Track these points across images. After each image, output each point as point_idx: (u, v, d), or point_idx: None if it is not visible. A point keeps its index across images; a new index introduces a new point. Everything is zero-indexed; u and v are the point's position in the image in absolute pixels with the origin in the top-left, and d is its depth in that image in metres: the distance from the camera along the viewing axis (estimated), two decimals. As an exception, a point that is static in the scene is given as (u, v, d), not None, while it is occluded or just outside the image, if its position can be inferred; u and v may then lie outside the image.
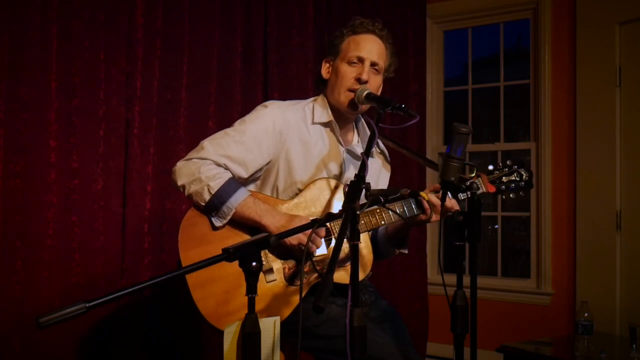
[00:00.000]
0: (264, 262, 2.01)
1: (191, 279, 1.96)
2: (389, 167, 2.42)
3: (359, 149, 2.25)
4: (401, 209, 2.09)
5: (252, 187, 2.19)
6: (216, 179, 1.99)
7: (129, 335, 2.96)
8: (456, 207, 2.05)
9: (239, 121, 2.14)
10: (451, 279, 1.77)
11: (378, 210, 2.07)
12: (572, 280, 3.98)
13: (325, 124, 2.20)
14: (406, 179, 4.27)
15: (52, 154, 2.74)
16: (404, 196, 2.02)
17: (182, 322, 3.07)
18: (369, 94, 2.07)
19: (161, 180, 3.05)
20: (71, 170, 2.81)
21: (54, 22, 2.73)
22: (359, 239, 1.54)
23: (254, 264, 1.44)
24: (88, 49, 2.86)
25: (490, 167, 2.25)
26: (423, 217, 2.10)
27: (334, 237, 2.07)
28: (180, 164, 2.06)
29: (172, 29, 3.17)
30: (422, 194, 2.02)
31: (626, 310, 3.66)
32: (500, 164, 2.27)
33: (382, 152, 2.39)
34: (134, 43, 3.02)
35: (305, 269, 2.04)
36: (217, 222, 2.02)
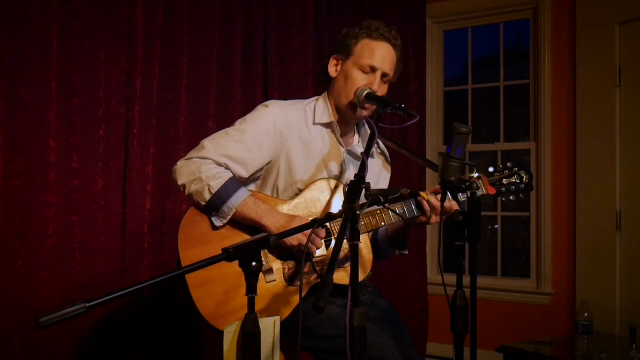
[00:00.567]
0: (263, 263, 2.01)
1: (191, 279, 1.96)
2: (389, 167, 2.42)
3: (360, 150, 2.24)
4: (401, 210, 2.08)
5: (252, 186, 2.19)
6: (217, 179, 1.99)
7: (129, 335, 2.96)
8: (455, 207, 2.05)
9: (239, 121, 2.14)
10: (451, 279, 1.77)
11: (378, 212, 2.07)
12: (572, 280, 3.98)
13: (326, 125, 2.19)
14: (406, 179, 4.27)
15: (52, 154, 2.74)
16: (404, 196, 2.02)
17: (182, 322, 3.07)
18: (368, 94, 2.06)
19: (161, 180, 3.05)
20: (71, 170, 2.81)
21: (54, 22, 2.73)
22: (359, 239, 1.54)
23: (254, 264, 1.44)
24: (88, 49, 2.85)
25: (491, 169, 2.25)
26: (423, 218, 2.10)
27: (334, 238, 2.07)
28: (181, 164, 2.06)
29: (172, 29, 3.17)
30: (422, 194, 2.02)
31: (626, 310, 3.66)
32: (501, 166, 2.25)
33: (382, 153, 2.39)
34: (134, 43, 3.02)
35: (305, 270, 2.04)
36: (218, 222, 2.02)
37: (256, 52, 3.58)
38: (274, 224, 1.99)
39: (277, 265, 2.04)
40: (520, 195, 2.24)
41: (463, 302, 1.72)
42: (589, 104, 3.93)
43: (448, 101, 4.72)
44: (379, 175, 2.33)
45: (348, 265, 2.01)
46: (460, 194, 2.01)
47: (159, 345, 3.08)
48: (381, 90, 2.14)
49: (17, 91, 2.64)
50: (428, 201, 2.05)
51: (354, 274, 1.50)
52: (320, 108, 2.19)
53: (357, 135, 2.29)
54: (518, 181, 2.23)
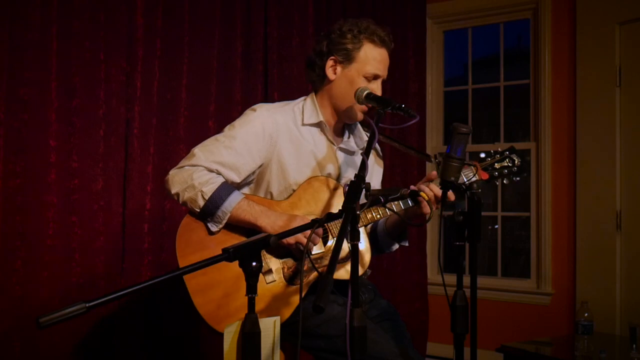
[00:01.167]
0: (262, 263, 2.01)
1: (191, 285, 1.96)
2: (381, 162, 2.43)
3: (352, 145, 2.26)
4: (398, 207, 2.09)
5: (246, 190, 2.19)
6: (209, 184, 2.00)
7: (129, 335, 2.96)
8: (451, 197, 2.04)
9: (228, 126, 2.14)
10: (451, 279, 1.77)
11: (373, 207, 2.08)
12: (572, 280, 3.98)
13: (316, 125, 2.19)
14: (406, 179, 4.27)
15: (52, 154, 2.73)
16: (404, 196, 2.03)
17: (182, 322, 3.07)
18: (368, 94, 2.07)
19: (161, 180, 3.04)
20: (71, 170, 2.81)
21: (54, 22, 2.73)
22: (359, 239, 1.54)
23: (254, 264, 1.44)
24: (88, 49, 2.85)
25: (482, 155, 2.25)
26: (418, 211, 2.10)
27: (331, 235, 2.07)
28: (172, 172, 2.07)
29: (172, 29, 3.17)
30: (422, 194, 2.02)
31: (626, 310, 3.66)
32: (492, 151, 2.26)
33: (374, 148, 2.39)
34: (134, 43, 3.02)
35: (304, 268, 2.04)
36: (213, 227, 2.03)
37: (256, 52, 3.58)
38: (269, 224, 2.00)
39: (275, 265, 2.04)
40: (514, 179, 2.24)
41: (463, 302, 1.72)
42: (589, 104, 3.93)
43: (448, 101, 4.72)
44: (372, 170, 2.34)
45: (345, 262, 2.02)
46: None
47: (159, 345, 3.08)
48: (379, 92, 2.15)
49: (17, 91, 2.64)
50: (427, 204, 2.05)
51: (353, 275, 1.50)
52: (308, 108, 2.20)
53: (347, 132, 2.30)
54: (510, 164, 2.23)
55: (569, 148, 4.06)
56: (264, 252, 2.03)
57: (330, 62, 2.16)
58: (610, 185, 3.78)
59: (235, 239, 2.02)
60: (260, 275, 1.99)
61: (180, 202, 2.04)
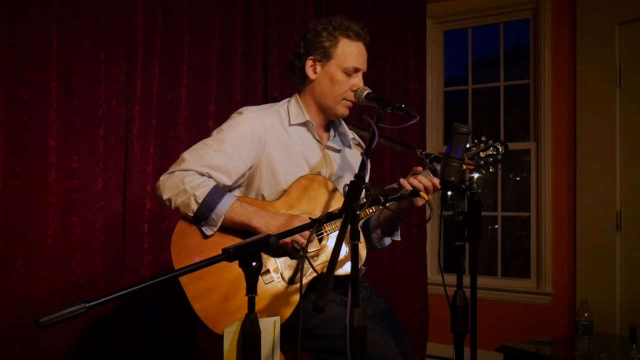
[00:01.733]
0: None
1: (189, 291, 1.97)
2: (360, 150, 2.44)
3: (338, 142, 2.29)
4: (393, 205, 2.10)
5: (236, 192, 2.19)
6: (201, 188, 2.00)
7: (129, 335, 2.96)
8: (438, 186, 2.05)
9: (216, 130, 2.15)
10: (451, 279, 1.77)
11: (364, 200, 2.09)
12: (572, 280, 3.98)
13: (302, 124, 2.21)
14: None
15: (52, 154, 2.73)
16: (404, 196, 2.03)
17: (182, 322, 3.07)
18: (368, 94, 2.08)
19: (161, 180, 3.05)
20: (71, 170, 2.81)
21: (54, 22, 2.73)
22: (358, 239, 1.54)
23: (254, 264, 1.44)
24: (88, 49, 2.85)
25: (467, 145, 2.27)
26: (413, 203, 2.11)
27: (325, 232, 2.08)
28: (163, 178, 2.08)
29: (172, 29, 3.17)
30: (422, 194, 2.02)
31: (626, 310, 3.66)
32: (476, 140, 2.28)
33: (359, 144, 2.42)
34: (134, 43, 3.02)
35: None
36: (208, 231, 2.03)
37: (256, 52, 3.58)
38: (264, 224, 2.00)
39: (272, 265, 2.05)
40: (499, 166, 2.27)
41: (463, 302, 1.72)
42: (589, 104, 3.93)
43: (448, 101, 4.72)
44: (351, 157, 2.35)
45: (342, 258, 2.02)
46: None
47: (159, 345, 3.08)
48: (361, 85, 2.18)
49: (17, 91, 2.64)
50: (427, 204, 2.05)
51: (353, 275, 1.50)
52: (293, 109, 2.22)
53: (332, 130, 2.32)
54: (494, 152, 2.26)
55: (569, 148, 4.06)
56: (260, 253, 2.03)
57: (309, 62, 2.19)
58: (610, 185, 3.78)
59: (231, 242, 2.01)
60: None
61: (173, 208, 2.05)
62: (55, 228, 2.74)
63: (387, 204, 2.06)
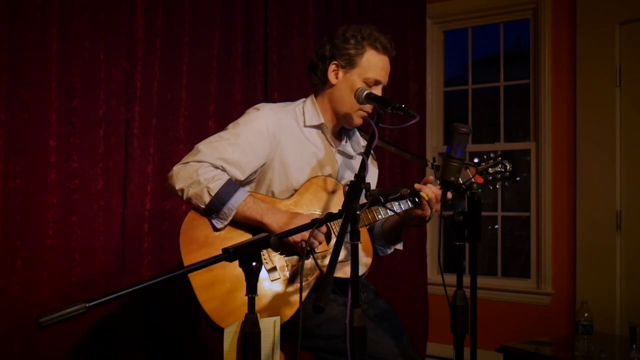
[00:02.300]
0: (267, 261, 2.02)
1: (195, 281, 1.96)
2: (375, 163, 2.46)
3: (349, 149, 2.29)
4: (398, 208, 2.10)
5: (247, 188, 2.19)
6: (215, 181, 2.00)
7: (129, 335, 2.96)
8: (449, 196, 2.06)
9: (232, 124, 2.15)
10: (451, 279, 1.77)
11: (374, 207, 2.09)
12: (572, 280, 3.98)
13: (316, 127, 2.21)
14: (406, 179, 4.27)
15: (52, 154, 2.73)
16: (404, 196, 2.03)
17: (182, 322, 3.07)
18: (368, 94, 2.08)
19: (161, 180, 3.05)
20: (71, 170, 2.81)
21: (54, 22, 2.73)
22: (359, 239, 1.54)
23: (254, 264, 1.44)
24: (88, 49, 2.85)
25: (476, 160, 2.33)
26: (419, 212, 2.10)
27: (334, 234, 2.08)
28: (177, 168, 2.06)
29: (172, 29, 3.17)
30: (422, 194, 2.02)
31: (626, 310, 3.66)
32: (485, 157, 2.35)
33: (372, 155, 2.41)
34: (134, 43, 3.02)
35: (308, 266, 2.05)
36: (218, 224, 2.02)
37: (256, 52, 3.58)
38: (275, 221, 2.00)
39: (280, 262, 2.05)
40: (506, 183, 2.33)
41: (463, 302, 1.73)
42: (589, 104, 3.93)
43: (448, 101, 4.72)
44: (368, 171, 2.35)
45: (345, 261, 2.02)
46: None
47: (159, 345, 3.08)
48: None
49: (17, 91, 2.64)
50: (427, 204, 2.05)
51: (353, 275, 1.50)
52: (308, 110, 2.22)
53: (344, 136, 2.32)
54: (502, 169, 2.32)
55: (569, 148, 4.06)
56: (268, 250, 2.03)
57: (332, 67, 2.19)
58: (610, 185, 3.78)
59: (240, 236, 2.02)
60: (265, 272, 2.00)
61: (185, 198, 2.04)
62: (55, 228, 2.74)
63: (398, 211, 2.08)
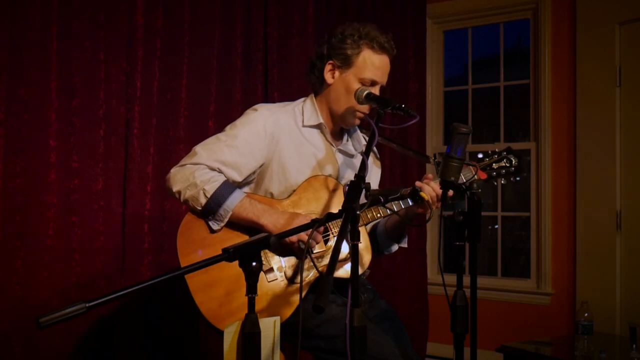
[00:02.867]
0: (264, 262, 2.01)
1: (192, 283, 1.96)
2: (379, 163, 2.45)
3: (350, 148, 2.27)
4: (398, 207, 2.09)
5: (246, 189, 2.19)
6: (211, 183, 2.00)
7: (129, 336, 2.96)
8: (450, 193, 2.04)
9: (230, 125, 2.14)
10: (451, 279, 1.77)
11: (374, 206, 2.08)
12: (572, 280, 3.98)
13: (316, 126, 2.20)
14: (406, 179, 4.27)
15: (52, 154, 2.73)
16: (404, 196, 2.03)
17: (182, 322, 3.07)
18: (368, 94, 2.07)
19: (161, 181, 3.04)
20: (71, 170, 2.81)
21: (54, 22, 2.73)
22: (359, 239, 1.54)
23: (254, 264, 1.44)
24: (88, 49, 2.85)
25: (480, 155, 2.27)
26: (419, 210, 2.10)
27: (332, 234, 2.07)
28: (174, 171, 2.07)
29: (172, 29, 3.17)
30: (422, 194, 2.02)
31: (626, 310, 3.66)
32: (490, 151, 2.28)
33: (372, 150, 2.40)
34: (134, 43, 3.02)
35: (306, 266, 2.04)
36: (215, 226, 2.02)
37: (256, 52, 3.58)
38: (272, 222, 2.00)
39: (277, 263, 2.05)
40: (512, 179, 2.26)
41: (463, 302, 1.72)
42: (589, 104, 3.93)
43: (448, 101, 4.72)
44: (370, 170, 2.34)
45: (345, 262, 2.02)
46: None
47: (159, 345, 3.08)
48: None
49: (17, 91, 2.64)
50: (428, 204, 2.05)
51: (353, 275, 1.50)
52: (307, 110, 2.21)
53: (345, 134, 2.31)
54: (507, 165, 2.25)
55: (569, 148, 4.06)
56: (266, 250, 2.03)
57: (328, 66, 2.17)
58: (610, 185, 3.78)
59: (237, 237, 2.02)
60: (262, 273, 1.99)
61: (182, 201, 2.04)
62: (55, 228, 2.74)
63: (397, 210, 2.07)
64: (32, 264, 2.66)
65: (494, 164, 2.25)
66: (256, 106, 2.19)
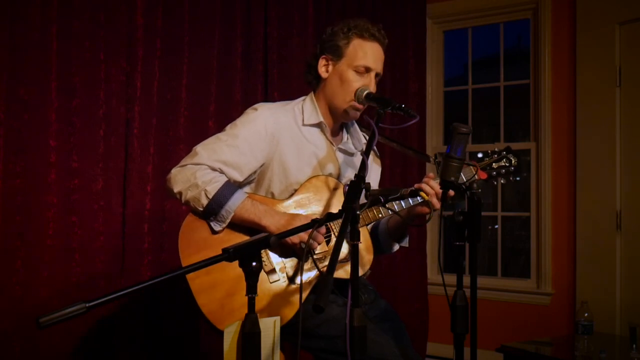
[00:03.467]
0: (266, 263, 2.01)
1: (194, 284, 1.96)
2: (379, 161, 2.45)
3: (350, 146, 2.27)
4: (399, 207, 2.09)
5: (247, 189, 2.19)
6: (213, 183, 1.99)
7: (129, 336, 2.96)
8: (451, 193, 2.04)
9: (230, 125, 2.14)
10: (451, 279, 1.77)
11: (374, 206, 2.08)
12: (572, 280, 3.98)
13: (316, 125, 2.20)
14: (406, 179, 4.27)
15: (52, 154, 2.73)
16: (404, 196, 2.03)
17: (182, 322, 3.07)
18: (368, 94, 2.07)
19: (161, 181, 3.04)
20: (71, 170, 2.81)
21: (54, 22, 2.73)
22: (359, 239, 1.54)
23: (254, 264, 1.44)
24: (88, 49, 2.85)
25: (480, 155, 2.27)
26: (419, 210, 2.10)
27: (334, 235, 2.07)
28: (174, 171, 2.06)
29: (172, 29, 3.17)
30: (422, 194, 2.02)
31: (626, 310, 3.66)
32: (490, 151, 2.28)
33: (374, 152, 2.40)
34: (134, 43, 3.02)
35: (307, 267, 2.04)
36: (217, 227, 2.02)
37: (256, 52, 3.58)
38: (273, 223, 2.00)
39: (279, 264, 2.04)
40: (511, 178, 2.26)
41: (463, 302, 1.72)
42: (589, 104, 3.93)
43: (448, 101, 4.72)
44: (370, 169, 2.34)
45: (347, 263, 2.02)
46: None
47: (159, 345, 3.08)
48: (374, 89, 2.14)
49: (17, 91, 2.64)
50: (428, 204, 2.05)
51: (353, 275, 1.50)
52: (307, 109, 2.21)
53: (345, 133, 2.31)
54: (507, 164, 2.25)
55: (569, 148, 4.06)
56: (267, 252, 2.03)
57: (322, 61, 2.18)
58: (610, 185, 3.78)
59: (238, 238, 2.01)
60: (264, 274, 1.99)
61: (183, 201, 2.04)
62: (55, 228, 2.74)
63: (398, 210, 2.07)
64: (32, 264, 2.66)
65: (493, 164, 2.25)
66: (256, 105, 2.18)
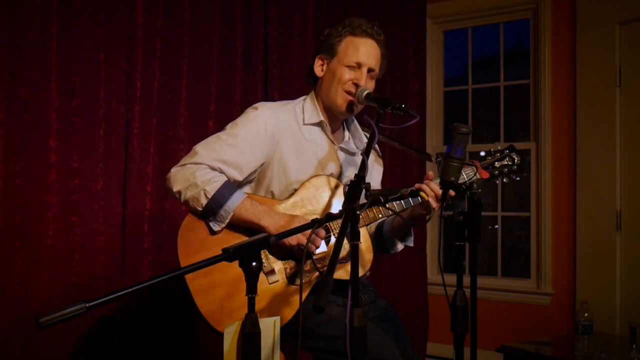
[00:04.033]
0: (265, 264, 2.01)
1: (193, 285, 1.96)
2: (381, 161, 2.44)
3: (352, 146, 2.27)
4: (400, 207, 2.09)
5: (247, 188, 2.18)
6: (212, 183, 1.99)
7: (129, 336, 2.96)
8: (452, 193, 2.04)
9: (230, 124, 2.14)
10: (451, 279, 1.77)
11: (374, 207, 2.08)
12: (572, 280, 3.98)
13: (316, 124, 2.20)
14: (406, 179, 4.27)
15: (52, 154, 2.73)
16: (404, 196, 2.03)
17: (182, 322, 3.07)
18: (368, 94, 2.07)
19: (161, 181, 3.04)
20: (71, 170, 2.81)
21: (54, 22, 2.73)
22: (359, 239, 1.54)
23: (254, 264, 1.44)
24: (88, 49, 2.85)
25: (482, 154, 2.26)
26: (419, 210, 2.10)
27: (334, 235, 2.07)
28: (174, 170, 2.06)
29: (172, 29, 3.17)
30: (422, 194, 2.02)
31: (626, 310, 3.66)
32: (492, 150, 2.26)
33: (373, 148, 2.40)
34: (134, 43, 3.02)
35: (307, 268, 2.04)
36: (216, 227, 2.02)
37: (256, 52, 3.58)
38: (272, 224, 1.99)
39: (278, 265, 2.04)
40: (514, 177, 2.25)
41: (463, 302, 1.72)
42: (589, 104, 3.93)
43: (448, 101, 4.72)
44: (372, 169, 2.34)
45: (347, 263, 2.02)
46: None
47: (159, 345, 3.08)
48: (369, 85, 2.14)
49: (17, 91, 2.64)
50: (428, 204, 2.05)
51: (353, 275, 1.50)
52: (308, 108, 2.21)
53: (346, 132, 2.31)
54: (510, 163, 2.24)
55: (569, 148, 4.06)
56: (267, 253, 2.03)
57: (318, 61, 2.21)
58: (610, 185, 3.78)
59: (238, 239, 2.01)
60: (263, 275, 1.99)
61: (182, 201, 2.03)
62: (55, 228, 2.74)
63: (399, 211, 2.07)
64: (32, 264, 2.66)
65: (496, 163, 2.24)
66: (257, 105, 2.18)
